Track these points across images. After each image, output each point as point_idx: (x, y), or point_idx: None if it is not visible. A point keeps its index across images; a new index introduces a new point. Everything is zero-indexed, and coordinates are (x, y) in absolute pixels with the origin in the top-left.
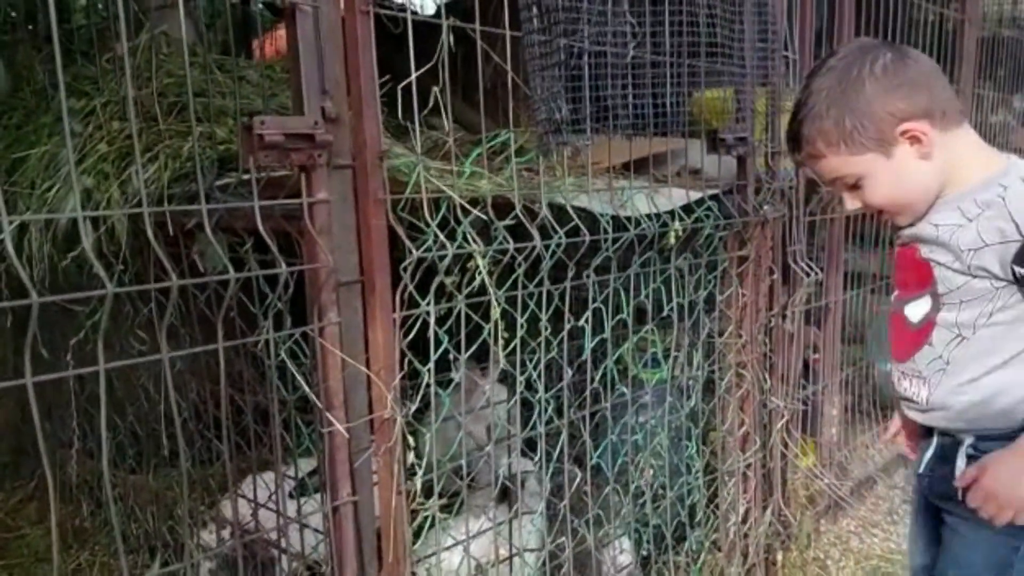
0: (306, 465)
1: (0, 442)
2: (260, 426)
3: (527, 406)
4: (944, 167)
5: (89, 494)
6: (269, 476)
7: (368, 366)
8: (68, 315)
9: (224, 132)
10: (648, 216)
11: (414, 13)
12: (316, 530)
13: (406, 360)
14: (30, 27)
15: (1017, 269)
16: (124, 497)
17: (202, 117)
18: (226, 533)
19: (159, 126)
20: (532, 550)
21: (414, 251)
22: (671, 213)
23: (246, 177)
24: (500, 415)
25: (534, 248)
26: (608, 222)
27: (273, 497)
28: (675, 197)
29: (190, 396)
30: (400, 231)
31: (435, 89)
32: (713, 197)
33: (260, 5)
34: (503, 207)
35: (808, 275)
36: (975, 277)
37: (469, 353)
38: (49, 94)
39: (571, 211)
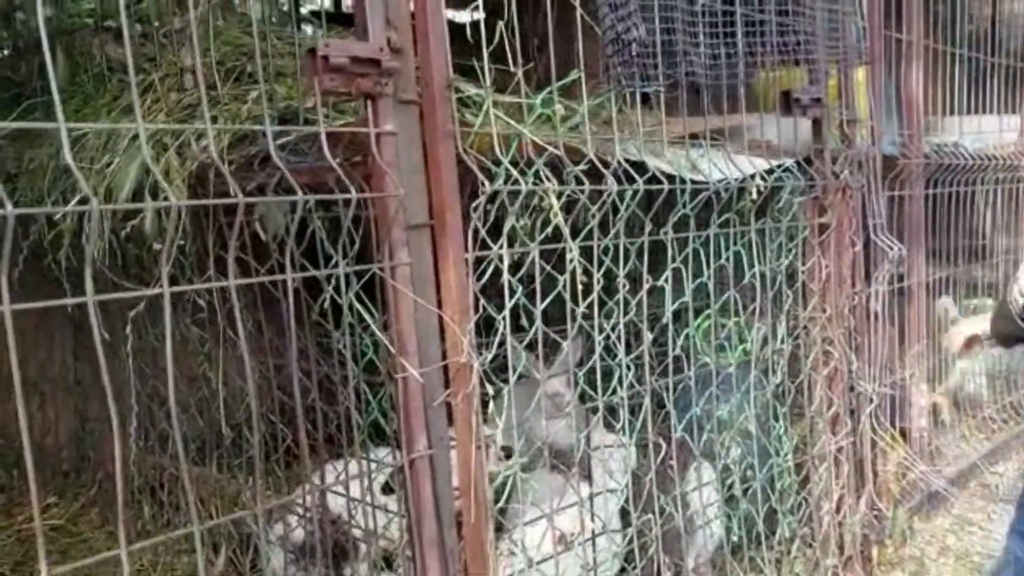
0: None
1: (61, 451)
2: (327, 406)
3: (604, 374)
4: None
5: (151, 495)
6: (340, 466)
7: (441, 310)
8: (125, 305)
9: (284, 90)
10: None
11: None
12: (387, 511)
13: (480, 305)
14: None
15: None
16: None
17: (259, 79)
18: (295, 521)
19: (217, 92)
20: (617, 531)
21: (487, 184)
22: (751, 177)
23: (306, 130)
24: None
25: (609, 195)
26: (686, 180)
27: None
28: (754, 162)
29: (254, 379)
30: (470, 162)
31: (500, 24)
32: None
33: None
34: (573, 158)
35: (891, 248)
36: None
37: (545, 304)
38: (107, 77)
39: (649, 165)
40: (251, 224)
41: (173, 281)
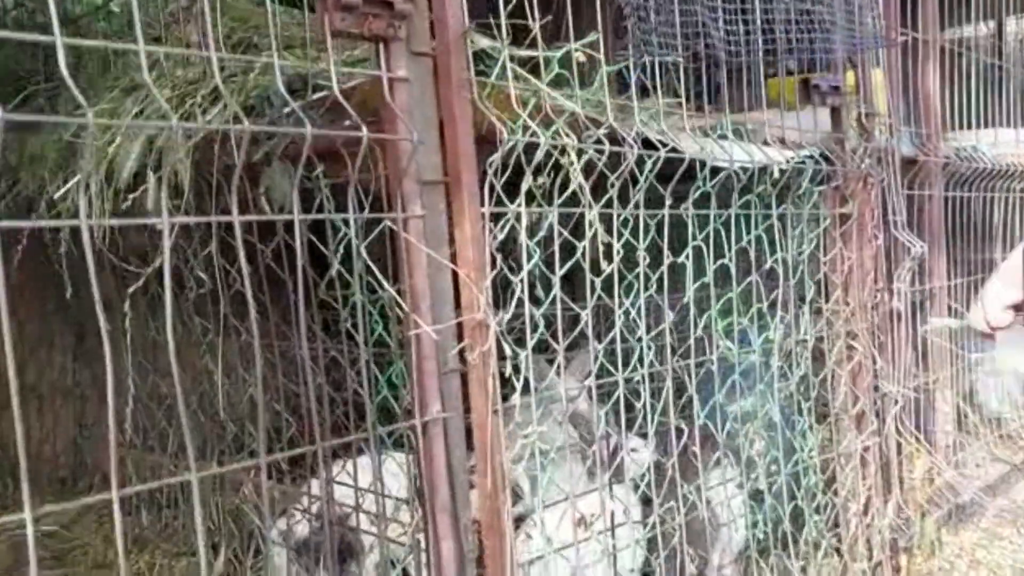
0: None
1: (59, 457)
2: (335, 392)
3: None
4: None
5: (149, 499)
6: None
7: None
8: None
9: (292, 60)
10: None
11: None
12: (397, 499)
13: (497, 263)
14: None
15: None
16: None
17: (269, 46)
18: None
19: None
20: (639, 522)
21: (505, 133)
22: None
23: (314, 97)
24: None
25: (627, 163)
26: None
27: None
28: (775, 152)
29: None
30: (489, 114)
31: None
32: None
33: None
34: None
35: (913, 245)
36: None
37: (563, 271)
38: (111, 59)
39: (669, 137)
40: (256, 200)
41: (176, 269)
